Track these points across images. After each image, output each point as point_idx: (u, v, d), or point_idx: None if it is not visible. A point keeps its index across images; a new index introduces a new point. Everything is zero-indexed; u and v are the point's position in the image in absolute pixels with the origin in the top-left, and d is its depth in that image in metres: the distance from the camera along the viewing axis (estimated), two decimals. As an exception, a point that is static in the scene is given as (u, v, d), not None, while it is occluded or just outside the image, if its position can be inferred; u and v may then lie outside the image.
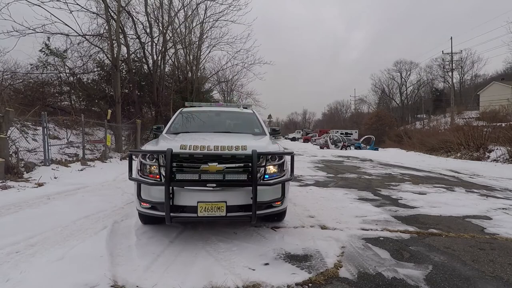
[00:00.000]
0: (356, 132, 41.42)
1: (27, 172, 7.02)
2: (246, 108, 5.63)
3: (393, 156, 18.31)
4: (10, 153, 6.89)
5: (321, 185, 7.10)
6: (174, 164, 3.02)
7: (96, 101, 13.85)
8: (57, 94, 13.75)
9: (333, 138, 29.69)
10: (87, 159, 9.71)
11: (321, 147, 29.26)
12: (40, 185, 6.15)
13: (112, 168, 9.24)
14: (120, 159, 11.21)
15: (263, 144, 3.56)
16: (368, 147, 27.48)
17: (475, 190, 6.71)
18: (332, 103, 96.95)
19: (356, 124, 53.61)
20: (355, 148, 26.86)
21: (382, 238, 3.42)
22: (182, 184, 2.99)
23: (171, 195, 2.94)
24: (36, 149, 8.24)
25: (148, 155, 3.25)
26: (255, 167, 2.95)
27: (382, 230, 3.71)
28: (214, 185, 2.97)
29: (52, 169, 7.66)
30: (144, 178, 3.19)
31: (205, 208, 2.98)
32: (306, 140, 46.89)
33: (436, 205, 5.10)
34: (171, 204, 2.94)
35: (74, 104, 14.27)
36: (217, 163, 3.04)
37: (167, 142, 3.44)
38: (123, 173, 8.36)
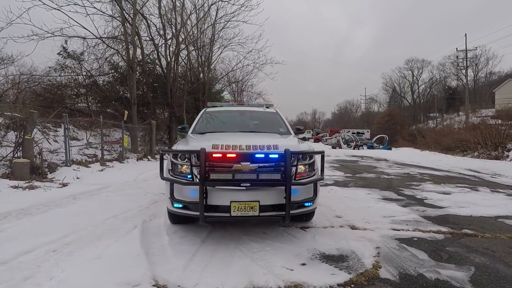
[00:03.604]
0: (368, 131, 40.95)
1: (50, 173, 7.17)
2: (268, 107, 5.62)
3: (408, 155, 18.00)
4: (35, 154, 7.04)
5: (341, 184, 7.03)
6: (207, 164, 3.03)
7: (113, 102, 14.05)
8: (74, 96, 14.01)
9: (345, 138, 29.42)
10: (106, 159, 9.85)
11: (333, 147, 29.01)
12: (64, 185, 6.26)
13: (131, 169, 9.36)
14: (137, 160, 11.36)
15: (294, 143, 3.54)
16: (381, 146, 27.13)
17: (501, 190, 6.53)
18: (342, 102, 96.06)
19: (367, 123, 53.00)
20: (368, 148, 26.56)
21: (415, 239, 3.35)
22: (216, 183, 2.99)
23: (204, 195, 2.95)
24: (57, 150, 8.39)
25: (180, 155, 3.27)
26: (288, 166, 2.94)
27: (414, 231, 3.64)
28: (248, 184, 2.97)
29: (74, 169, 7.80)
30: (176, 177, 3.20)
31: (238, 207, 2.97)
32: (317, 140, 46.60)
33: (464, 205, 4.98)
34: (204, 203, 2.95)
35: (91, 106, 14.51)
36: (249, 163, 3.03)
37: (198, 142, 3.45)
38: (142, 173, 8.46)
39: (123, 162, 10.29)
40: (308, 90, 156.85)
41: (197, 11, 17.20)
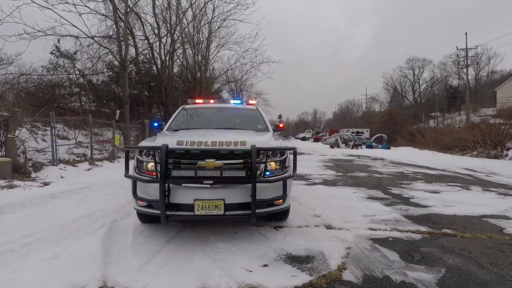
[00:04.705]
0: (367, 131, 40.65)
1: (35, 172, 7.08)
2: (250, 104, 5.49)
3: (406, 154, 17.81)
4: (18, 153, 6.96)
5: (330, 183, 6.89)
6: (171, 161, 2.91)
7: (105, 101, 13.97)
8: (67, 96, 13.95)
9: (343, 137, 29.19)
10: (95, 159, 9.77)
11: (332, 146, 28.80)
12: (46, 184, 6.17)
13: (120, 168, 9.23)
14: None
15: (264, 139, 3.41)
16: (380, 146, 26.90)
17: (493, 189, 6.36)
18: (343, 102, 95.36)
19: (367, 123, 52.67)
20: (367, 147, 26.34)
21: (391, 239, 3.22)
22: (177, 181, 2.87)
23: (166, 193, 2.84)
24: (44, 149, 8.32)
25: (145, 151, 3.16)
26: (254, 163, 2.81)
27: (391, 230, 3.49)
28: (211, 182, 2.84)
29: (60, 168, 7.71)
30: (141, 175, 3.10)
31: (202, 206, 2.85)
32: (317, 140, 46.41)
33: (450, 204, 4.83)
34: (167, 202, 2.84)
35: (84, 106, 14.45)
36: (214, 160, 2.91)
37: (164, 138, 3.34)
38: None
39: (113, 162, 10.20)
40: (308, 89, 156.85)
41: (193, 8, 17.14)
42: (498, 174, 9.17)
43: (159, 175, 2.91)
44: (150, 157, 3.09)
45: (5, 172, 6.19)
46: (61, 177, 6.96)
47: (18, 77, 12.12)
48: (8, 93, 12.08)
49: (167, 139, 3.26)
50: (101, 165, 9.13)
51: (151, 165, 3.09)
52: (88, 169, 8.27)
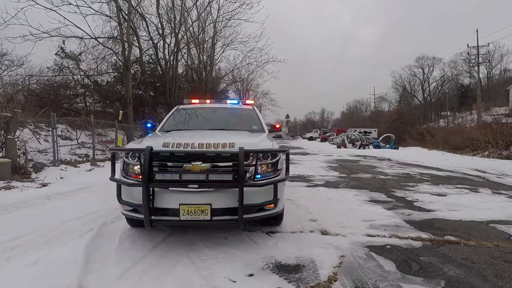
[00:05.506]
0: (375, 130, 40.04)
1: (35, 173, 7.10)
2: (247, 104, 5.36)
3: (414, 155, 17.40)
4: (19, 153, 6.97)
5: (331, 185, 6.70)
6: (156, 164, 2.80)
7: (108, 102, 14.03)
8: (72, 96, 14.05)
9: (350, 137, 28.77)
10: (98, 159, 9.78)
11: (338, 146, 28.43)
12: (44, 185, 6.15)
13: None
14: (131, 160, 11.25)
15: (255, 141, 3.26)
16: (387, 146, 26.42)
17: (503, 192, 6.08)
18: (351, 101, 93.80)
19: (376, 122, 51.89)
20: (374, 147, 25.89)
21: (389, 246, 3.03)
22: (161, 184, 2.76)
23: (151, 197, 2.73)
24: (46, 150, 8.34)
25: (131, 154, 3.05)
26: (241, 165, 2.67)
27: (390, 237, 3.31)
28: (196, 186, 2.71)
29: (61, 169, 7.72)
30: (127, 178, 3.00)
31: (188, 211, 2.73)
32: (324, 140, 45.95)
33: (456, 208, 4.60)
34: (151, 206, 2.72)
35: (89, 106, 14.54)
36: (201, 162, 2.77)
37: (151, 140, 3.23)
38: (130, 173, 8.31)
39: (116, 162, 10.17)
40: (316, 89, 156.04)
41: (197, 7, 17.12)
42: (510, 176, 8.81)
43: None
44: (136, 160, 2.98)
45: (4, 173, 6.19)
46: (61, 178, 6.95)
47: (29, 79, 12.29)
48: (18, 94, 12.25)
49: (154, 140, 3.15)
50: (103, 166, 9.13)
51: (137, 168, 2.98)
52: (89, 170, 8.27)
